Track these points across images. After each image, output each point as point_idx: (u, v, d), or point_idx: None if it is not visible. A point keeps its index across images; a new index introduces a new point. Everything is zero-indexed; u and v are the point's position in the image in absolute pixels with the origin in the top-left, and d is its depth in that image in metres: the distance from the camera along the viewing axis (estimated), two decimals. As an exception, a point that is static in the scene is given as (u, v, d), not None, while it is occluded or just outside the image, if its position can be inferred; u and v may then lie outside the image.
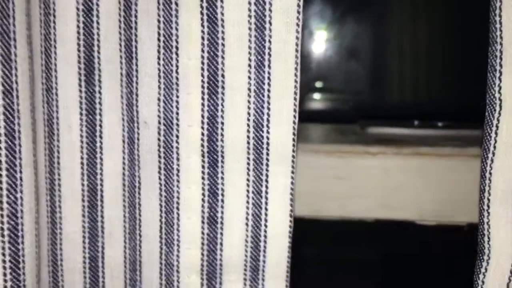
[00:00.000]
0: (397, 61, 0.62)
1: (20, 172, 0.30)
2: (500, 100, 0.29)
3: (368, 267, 0.59)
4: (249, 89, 0.32)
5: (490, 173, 0.30)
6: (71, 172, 0.35)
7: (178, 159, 0.33)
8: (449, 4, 0.60)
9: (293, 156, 0.33)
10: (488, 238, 0.31)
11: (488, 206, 0.30)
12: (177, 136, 0.33)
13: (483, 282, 0.31)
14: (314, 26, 0.61)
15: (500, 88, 0.28)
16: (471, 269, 0.34)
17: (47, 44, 0.33)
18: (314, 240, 0.56)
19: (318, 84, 0.62)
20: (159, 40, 0.32)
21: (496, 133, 0.29)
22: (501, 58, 0.28)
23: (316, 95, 0.63)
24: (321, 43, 0.62)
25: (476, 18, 0.57)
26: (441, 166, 0.43)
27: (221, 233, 0.34)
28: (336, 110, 0.62)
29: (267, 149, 0.33)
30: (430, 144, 0.45)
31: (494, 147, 0.29)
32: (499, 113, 0.29)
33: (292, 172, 0.33)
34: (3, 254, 0.31)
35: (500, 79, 0.28)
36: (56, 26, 0.33)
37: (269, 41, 0.31)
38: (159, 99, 0.33)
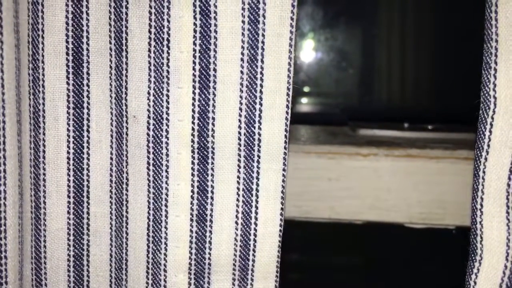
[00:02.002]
0: (387, 64, 0.62)
1: (4, 164, 0.29)
2: (495, 97, 0.29)
3: (356, 269, 0.59)
4: (241, 84, 0.32)
5: (484, 172, 0.30)
6: (57, 166, 0.34)
7: (167, 155, 0.33)
8: (438, 8, 0.61)
9: (284, 153, 0.33)
10: (481, 238, 0.31)
11: (481, 205, 0.30)
12: (167, 131, 0.32)
13: (475, 282, 0.31)
14: (305, 29, 0.61)
15: (495, 85, 0.28)
16: (460, 272, 0.33)
17: (35, 34, 0.32)
18: (303, 242, 0.56)
19: (309, 87, 0.62)
20: (150, 32, 0.31)
21: (490, 131, 0.29)
22: (496, 55, 0.28)
23: (307, 97, 0.63)
24: (312, 46, 0.62)
25: (465, 22, 0.58)
26: (431, 168, 0.43)
27: (210, 231, 0.34)
28: (326, 112, 0.62)
29: (259, 145, 0.33)
30: (420, 147, 0.45)
31: (488, 145, 0.29)
32: (494, 111, 0.29)
33: (284, 170, 0.33)
34: (-15, 249, 0.30)
35: (495, 77, 0.28)
36: (44, 16, 0.32)
37: (263, 35, 0.31)
38: (149, 93, 0.32)
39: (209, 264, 0.34)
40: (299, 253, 0.58)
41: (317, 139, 0.51)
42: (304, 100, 0.63)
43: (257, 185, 0.33)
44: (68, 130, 0.34)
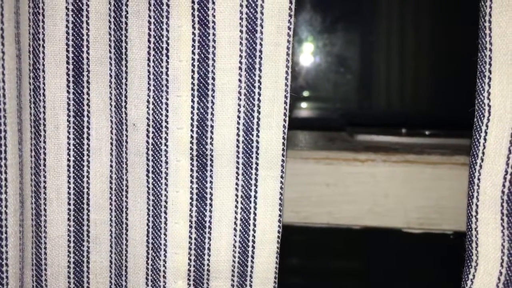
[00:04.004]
0: (385, 70, 0.62)
1: (5, 172, 0.30)
2: (489, 106, 0.29)
3: (355, 274, 0.59)
4: (240, 92, 0.32)
5: (479, 179, 0.30)
6: (57, 174, 0.34)
7: (166, 162, 0.33)
8: (437, 14, 0.61)
9: (282, 161, 0.33)
10: (476, 244, 0.31)
11: (476, 212, 0.30)
12: (166, 139, 0.33)
13: (471, 288, 0.31)
14: (303, 34, 0.62)
15: (489, 94, 0.29)
16: (458, 277, 0.34)
17: (35, 44, 0.32)
18: (301, 247, 0.56)
19: (308, 92, 0.63)
20: (149, 41, 0.32)
21: (485, 139, 0.29)
22: (490, 64, 0.28)
23: (305, 103, 0.63)
24: (310, 51, 0.62)
25: (463, 29, 0.58)
26: (428, 174, 0.43)
27: (209, 238, 0.34)
28: (325, 117, 0.62)
29: (257, 153, 0.33)
30: (418, 152, 0.45)
31: (483, 153, 0.30)
32: (488, 119, 0.29)
33: (282, 177, 0.33)
34: (-14, 257, 0.30)
35: (489, 85, 0.29)
36: (45, 26, 0.32)
37: (260, 44, 0.31)
38: (148, 101, 0.32)
39: (208, 270, 0.34)
40: (297, 259, 0.58)
41: (315, 144, 0.51)
42: (302, 105, 0.63)
43: (256, 192, 0.33)
44: (68, 138, 0.34)
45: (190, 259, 0.34)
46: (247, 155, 0.33)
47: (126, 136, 0.33)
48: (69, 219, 0.35)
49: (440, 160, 0.44)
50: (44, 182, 0.34)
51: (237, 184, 0.33)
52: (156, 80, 0.32)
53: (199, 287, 0.35)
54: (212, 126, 0.33)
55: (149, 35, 0.32)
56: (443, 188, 0.43)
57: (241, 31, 0.31)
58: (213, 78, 0.32)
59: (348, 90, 0.63)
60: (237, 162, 0.33)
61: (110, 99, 0.34)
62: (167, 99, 0.32)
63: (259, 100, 0.32)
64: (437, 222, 0.44)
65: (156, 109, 0.32)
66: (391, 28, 0.62)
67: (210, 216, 0.34)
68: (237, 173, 0.33)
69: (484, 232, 0.30)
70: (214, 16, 0.31)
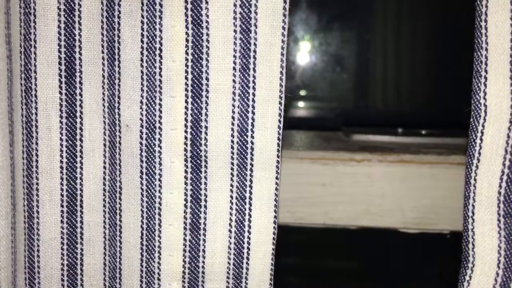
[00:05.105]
0: (381, 70, 0.62)
1: (-4, 175, 0.30)
2: (486, 106, 0.29)
3: (351, 275, 0.59)
4: (234, 93, 0.32)
5: (475, 179, 0.30)
6: (50, 176, 0.34)
7: (160, 164, 0.33)
8: (433, 14, 0.61)
9: (277, 162, 0.33)
10: (473, 245, 0.31)
11: (473, 213, 0.30)
12: (160, 140, 0.32)
13: (467, 289, 0.31)
14: (299, 34, 0.61)
15: (485, 94, 0.29)
16: (455, 277, 0.33)
17: (27, 44, 0.32)
18: (297, 247, 0.56)
19: (303, 92, 0.62)
20: (142, 41, 0.31)
21: (481, 139, 0.29)
22: (486, 64, 0.28)
23: (301, 103, 0.63)
24: (306, 50, 0.62)
25: (459, 28, 0.58)
26: (424, 174, 0.43)
27: (204, 240, 0.34)
28: (321, 117, 0.62)
29: (251, 154, 0.33)
30: (414, 152, 0.45)
31: (479, 153, 0.29)
32: (484, 119, 0.29)
33: (277, 178, 0.33)
34: (-23, 260, 0.30)
35: (485, 85, 0.28)
36: (37, 26, 0.32)
37: (255, 44, 0.31)
38: (141, 102, 0.32)
39: (203, 272, 0.34)
40: (293, 259, 0.58)
41: (311, 144, 0.51)
42: (298, 105, 0.63)
43: (250, 193, 0.33)
44: (61, 139, 0.34)
45: (184, 261, 0.34)
46: (242, 156, 0.33)
47: (119, 137, 0.33)
48: (62, 221, 0.35)
49: (437, 159, 0.43)
50: (37, 184, 0.34)
51: (231, 185, 0.33)
52: (149, 80, 0.32)
53: (194, 289, 0.34)
54: (206, 127, 0.32)
55: (142, 35, 0.31)
56: (440, 188, 0.43)
57: (235, 31, 0.31)
58: (207, 79, 0.32)
59: (344, 90, 0.63)
60: (232, 163, 0.33)
61: (103, 100, 0.34)
62: (160, 100, 0.32)
63: (253, 100, 0.32)
64: (433, 222, 0.44)
65: (150, 110, 0.32)
66: (387, 28, 0.62)
67: (205, 218, 0.34)
68: (231, 174, 0.33)
69: (481, 233, 0.30)
70: (207, 16, 0.31)
